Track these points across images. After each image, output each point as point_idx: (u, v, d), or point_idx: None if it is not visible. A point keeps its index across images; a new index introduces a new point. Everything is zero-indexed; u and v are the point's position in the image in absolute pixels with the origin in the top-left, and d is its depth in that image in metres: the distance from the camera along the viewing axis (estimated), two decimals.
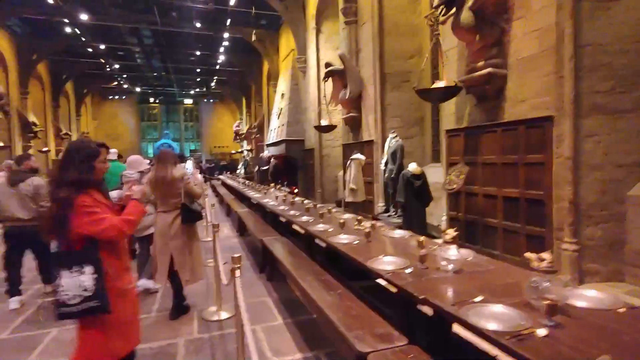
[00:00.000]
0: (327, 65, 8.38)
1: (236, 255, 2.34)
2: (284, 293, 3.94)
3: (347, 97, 8.07)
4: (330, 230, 3.52)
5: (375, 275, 2.31)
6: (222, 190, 12.27)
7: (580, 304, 1.61)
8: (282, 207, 5.40)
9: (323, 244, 3.58)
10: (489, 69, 4.27)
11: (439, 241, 3.90)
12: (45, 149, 16.85)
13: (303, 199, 6.72)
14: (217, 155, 30.50)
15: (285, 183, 12.43)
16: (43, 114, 17.71)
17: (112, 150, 5.04)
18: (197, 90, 28.80)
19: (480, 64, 4.40)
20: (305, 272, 3.12)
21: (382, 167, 6.90)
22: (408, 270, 2.18)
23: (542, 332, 1.35)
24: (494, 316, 1.52)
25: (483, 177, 4.68)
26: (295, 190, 11.22)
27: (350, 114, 8.33)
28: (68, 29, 14.78)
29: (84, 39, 15.95)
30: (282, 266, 3.57)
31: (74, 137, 21.71)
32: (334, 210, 4.87)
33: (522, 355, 1.24)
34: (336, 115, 9.64)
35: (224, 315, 3.37)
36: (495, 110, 4.49)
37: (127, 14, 14.03)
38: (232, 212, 8.19)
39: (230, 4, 12.59)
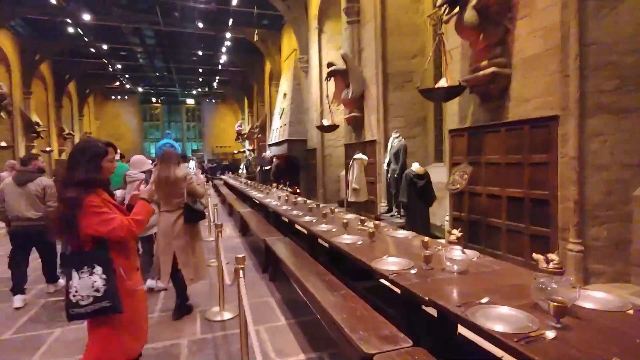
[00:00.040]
0: (330, 65, 8.36)
1: (240, 255, 2.33)
2: (286, 293, 3.93)
3: (349, 97, 8.05)
4: (333, 230, 3.51)
5: (380, 276, 2.30)
6: (225, 190, 12.28)
7: (588, 305, 1.60)
8: (284, 207, 5.39)
9: (326, 244, 3.57)
10: (492, 69, 4.25)
11: (443, 241, 3.88)
12: (48, 149, 16.90)
13: (305, 199, 6.70)
14: (219, 155, 30.52)
15: (287, 183, 12.43)
16: (46, 114, 17.77)
17: None
18: (200, 90, 28.83)
19: (484, 63, 4.37)
20: (309, 272, 3.11)
21: (385, 167, 6.88)
22: (413, 271, 2.16)
23: (550, 334, 1.33)
24: (501, 318, 1.50)
25: (487, 177, 4.66)
26: (297, 190, 11.22)
27: (353, 114, 8.32)
28: (71, 29, 14.82)
29: (86, 39, 16.00)
30: (285, 266, 3.56)
31: (77, 137, 21.80)
32: (336, 210, 4.85)
33: (531, 358, 1.22)
34: (338, 115, 9.62)
35: (227, 315, 3.36)
36: (499, 110, 4.47)
37: (130, 14, 14.06)
38: (235, 212, 8.18)
39: (233, 4, 12.60)
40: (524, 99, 4.12)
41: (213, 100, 31.94)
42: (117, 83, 25.34)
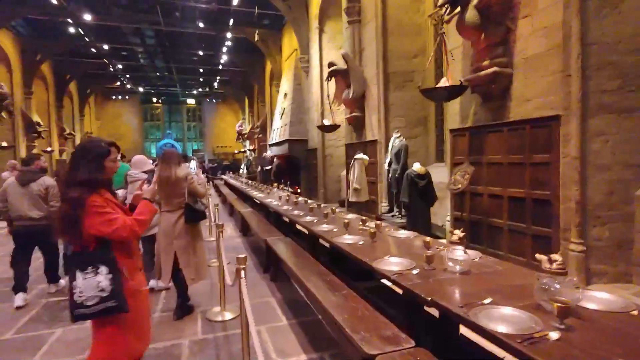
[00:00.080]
0: (330, 64, 8.35)
1: (241, 255, 2.33)
2: (287, 293, 3.92)
3: (350, 97, 8.04)
4: (334, 230, 3.50)
5: (382, 276, 2.29)
6: (225, 190, 12.28)
7: (591, 306, 1.59)
8: (285, 207, 5.38)
9: (327, 244, 3.56)
10: (494, 68, 4.23)
11: (444, 241, 3.88)
12: (49, 149, 16.92)
13: (306, 199, 6.70)
14: (219, 155, 30.53)
15: (288, 183, 12.43)
16: (47, 114, 17.78)
17: None
18: (200, 90, 28.85)
19: (486, 63, 4.36)
20: (310, 272, 3.11)
21: (386, 167, 6.87)
22: (415, 272, 2.16)
23: (554, 335, 1.32)
24: (504, 319, 1.49)
25: (488, 177, 4.65)
26: (298, 190, 11.22)
27: (354, 114, 8.31)
28: (72, 30, 14.83)
29: (87, 39, 16.01)
30: (286, 266, 3.55)
31: (78, 137, 21.83)
32: (337, 210, 4.85)
33: None
34: (339, 115, 9.61)
35: (228, 315, 3.35)
36: (500, 110, 4.45)
37: (130, 14, 14.06)
38: (235, 212, 8.18)
39: (233, 3, 12.59)
40: (526, 99, 4.11)
41: (214, 100, 31.95)
42: (118, 83, 25.37)
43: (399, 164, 6.30)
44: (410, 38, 7.55)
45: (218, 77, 24.00)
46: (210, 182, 18.01)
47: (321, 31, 11.04)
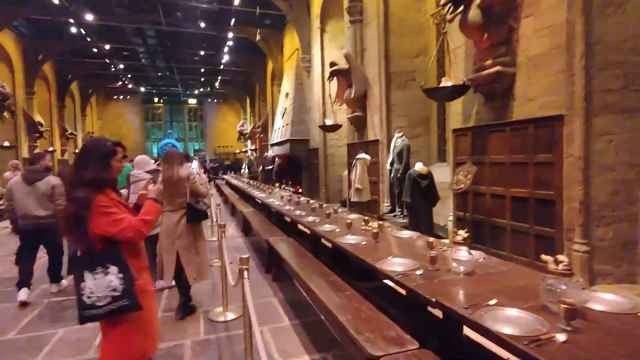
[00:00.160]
0: (332, 64, 8.33)
1: (244, 255, 2.32)
2: (289, 294, 3.91)
3: (352, 97, 8.03)
4: (337, 230, 3.49)
5: (385, 277, 2.28)
6: (227, 190, 12.28)
7: (597, 307, 1.57)
8: (287, 207, 5.37)
9: (329, 244, 3.55)
10: (497, 68, 4.22)
11: (447, 242, 3.86)
12: (50, 149, 16.93)
13: (308, 198, 6.69)
14: (221, 155, 30.54)
15: (290, 183, 12.42)
16: (49, 114, 17.82)
17: None
18: (201, 90, 28.84)
19: (489, 62, 4.34)
20: (312, 272, 3.10)
21: (388, 166, 6.86)
22: (418, 272, 2.14)
23: (561, 337, 1.31)
24: (510, 320, 1.48)
25: (491, 177, 4.63)
26: (300, 190, 11.21)
27: (355, 114, 8.29)
28: (73, 30, 14.85)
29: (89, 40, 16.01)
30: (288, 266, 3.54)
31: (80, 137, 21.87)
32: (339, 210, 4.83)
33: None
34: (341, 114, 9.60)
35: (230, 316, 3.35)
36: (503, 109, 4.44)
37: (132, 14, 14.07)
38: (237, 212, 8.18)
39: (235, 3, 12.57)
40: (529, 98, 4.09)
41: (215, 100, 31.96)
42: (120, 83, 25.39)
43: (401, 163, 6.29)
44: (412, 37, 7.54)
45: (219, 77, 23.99)
46: (212, 182, 18.02)
47: (323, 31, 11.02)
